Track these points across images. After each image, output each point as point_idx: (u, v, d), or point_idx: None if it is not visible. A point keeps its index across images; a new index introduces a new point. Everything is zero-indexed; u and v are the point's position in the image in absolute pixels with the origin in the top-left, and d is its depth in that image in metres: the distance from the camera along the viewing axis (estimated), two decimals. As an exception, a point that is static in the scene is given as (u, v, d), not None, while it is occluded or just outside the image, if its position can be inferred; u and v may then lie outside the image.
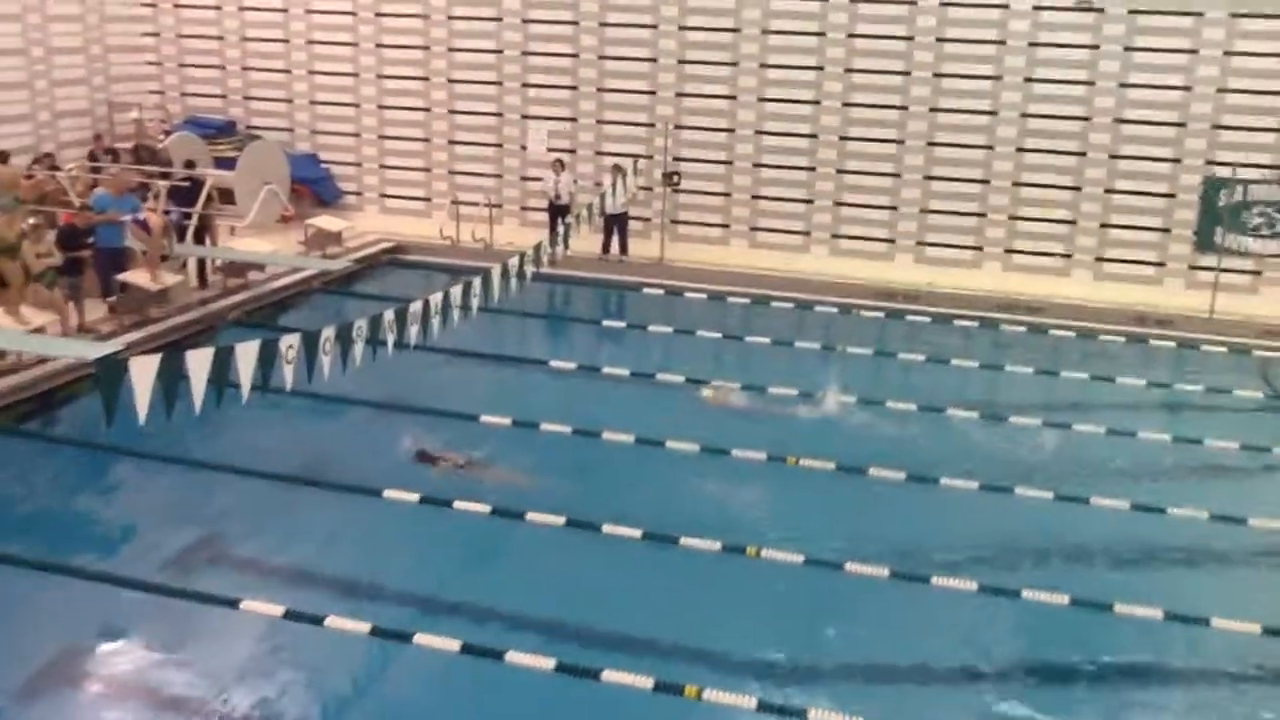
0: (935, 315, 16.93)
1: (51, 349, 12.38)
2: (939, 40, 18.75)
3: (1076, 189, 18.69)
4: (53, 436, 12.15)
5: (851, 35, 19.08)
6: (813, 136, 19.54)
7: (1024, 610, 8.79)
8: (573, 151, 20.53)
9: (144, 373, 7.59)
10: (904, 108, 19.09)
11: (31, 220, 13.84)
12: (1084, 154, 18.55)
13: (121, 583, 8.81)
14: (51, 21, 20.04)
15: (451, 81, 21.02)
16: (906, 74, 18.98)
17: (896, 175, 19.34)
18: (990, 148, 18.86)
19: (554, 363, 14.33)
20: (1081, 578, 9.54)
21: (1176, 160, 18.20)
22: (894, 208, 19.46)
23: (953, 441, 12.38)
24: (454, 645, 7.78)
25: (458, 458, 11.43)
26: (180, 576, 9.10)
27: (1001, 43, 18.50)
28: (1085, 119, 18.43)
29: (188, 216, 16.28)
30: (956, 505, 10.73)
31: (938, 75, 18.85)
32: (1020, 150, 18.76)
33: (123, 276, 14.64)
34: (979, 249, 19.27)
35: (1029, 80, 18.51)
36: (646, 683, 7.37)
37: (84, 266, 14.16)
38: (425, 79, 21.16)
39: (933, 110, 18.98)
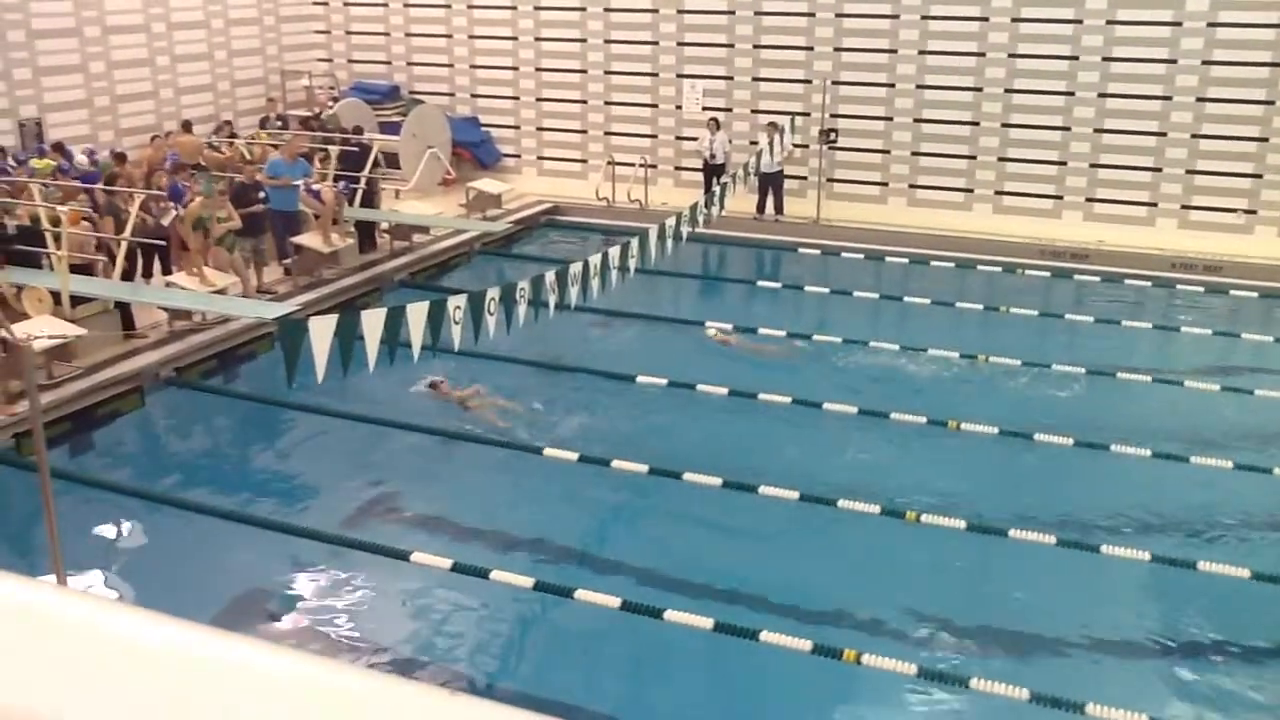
0: (1105, 275, 16.28)
1: (233, 309, 13.01)
2: (1113, -14, 17.88)
3: (1263, 139, 17.61)
4: (234, 392, 12.81)
5: (1019, -17, 18.36)
6: (976, 90, 18.90)
7: (1200, 583, 8.44)
8: (728, 110, 20.38)
9: (322, 332, 7.92)
10: (1074, 58, 18.27)
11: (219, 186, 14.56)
12: (1272, 102, 17.44)
13: (301, 533, 9.26)
14: (229, -7, 20.95)
15: (608, 42, 21.09)
16: (1078, 22, 18.15)
17: (1065, 129, 18.56)
18: (1168, 98, 17.90)
19: (709, 324, 14.33)
20: (1263, 551, 9.10)
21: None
22: (1062, 163, 18.70)
23: (1123, 406, 11.93)
24: (613, 602, 7.92)
25: (460, 388, 11.96)
26: (354, 528, 9.52)
27: (1182, -14, 17.54)
28: (1276, 65, 17.30)
29: (355, 181, 16.84)
30: (1128, 473, 10.35)
31: (1110, 23, 17.97)
32: (1200, 100, 17.76)
33: (297, 239, 15.27)
34: (1153, 205, 18.37)
35: (1212, 25, 17.48)
36: (804, 645, 7.38)
37: (261, 228, 14.78)
38: (582, 40, 21.28)
39: (1105, 60, 18.11)
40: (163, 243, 14.13)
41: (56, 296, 12.24)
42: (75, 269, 12.71)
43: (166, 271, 14.29)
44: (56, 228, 12.77)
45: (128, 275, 13.63)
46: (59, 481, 8.51)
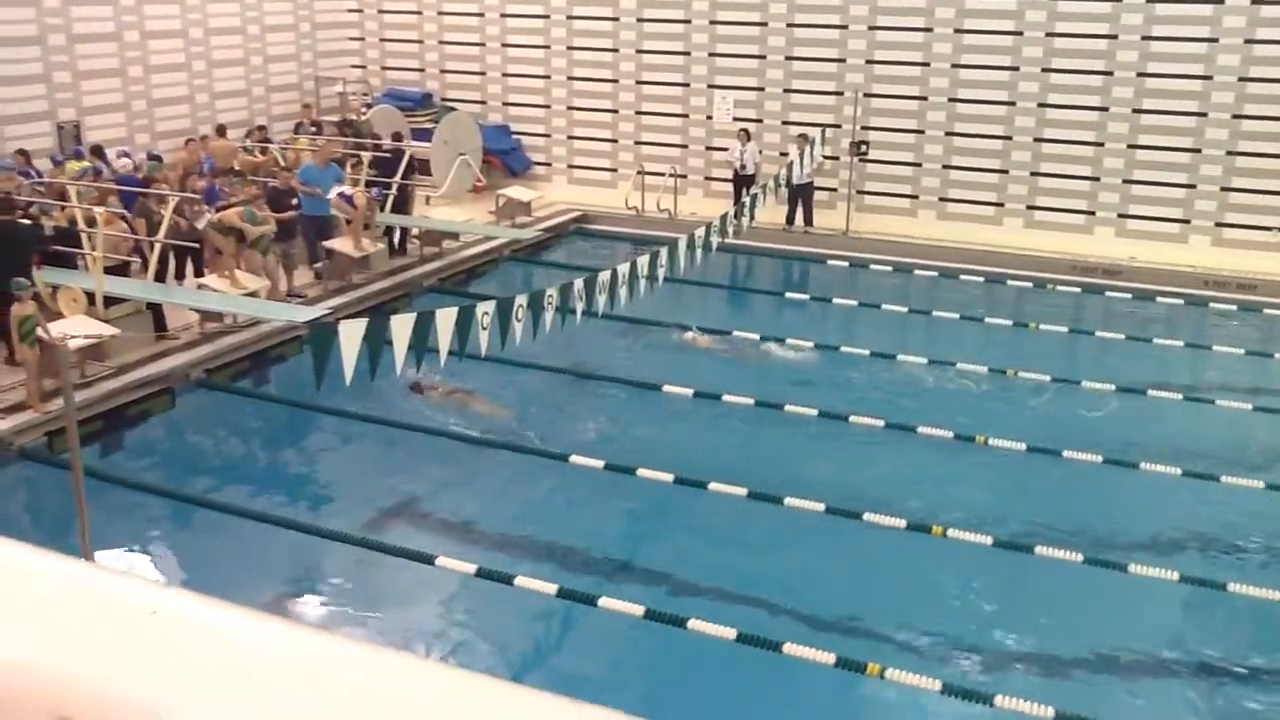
0: (1137, 291, 16.15)
1: (264, 312, 13.10)
2: (1149, 1, 17.73)
3: (1301, 157, 17.44)
4: (263, 394, 12.90)
5: (1053, -2, 18.29)
6: (1009, 104, 18.82)
7: (1229, 604, 8.36)
8: (759, 121, 20.37)
9: (352, 336, 7.97)
10: (1108, 73, 18.16)
11: (252, 190, 14.69)
12: (1309, 120, 17.28)
13: (327, 535, 9.30)
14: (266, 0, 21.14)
15: (640, 52, 21.14)
16: (1113, 37, 18.04)
17: (1098, 144, 18.44)
18: (1203, 114, 17.75)
19: (736, 334, 14.32)
20: (1295, 573, 9.00)
21: None
22: (1095, 178, 18.57)
23: (1153, 425, 11.83)
24: (637, 610, 7.91)
25: (445, 387, 11.98)
26: (379, 531, 9.57)
27: (1220, 1, 17.36)
28: (1312, 83, 17.15)
29: (388, 187, 16.94)
30: (1157, 491, 10.26)
31: (1146, 38, 17.85)
32: (1236, 117, 17.61)
33: (328, 244, 15.37)
34: (1186, 221, 18.21)
35: (1249, 42, 17.33)
36: (828, 658, 7.34)
37: (292, 232, 14.90)
38: (614, 50, 21.34)
39: (1139, 75, 17.99)
40: (196, 245, 14.27)
41: (91, 296, 12.37)
42: (109, 270, 12.85)
43: (199, 274, 14.43)
44: (92, 229, 12.92)
45: (160, 277, 13.77)
46: (90, 480, 8.59)
